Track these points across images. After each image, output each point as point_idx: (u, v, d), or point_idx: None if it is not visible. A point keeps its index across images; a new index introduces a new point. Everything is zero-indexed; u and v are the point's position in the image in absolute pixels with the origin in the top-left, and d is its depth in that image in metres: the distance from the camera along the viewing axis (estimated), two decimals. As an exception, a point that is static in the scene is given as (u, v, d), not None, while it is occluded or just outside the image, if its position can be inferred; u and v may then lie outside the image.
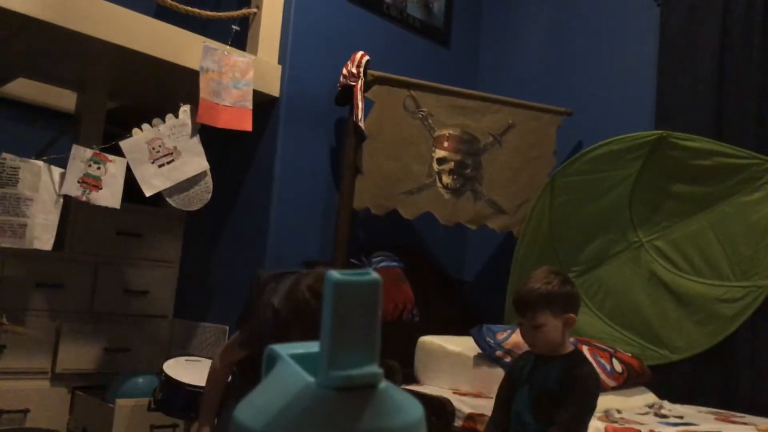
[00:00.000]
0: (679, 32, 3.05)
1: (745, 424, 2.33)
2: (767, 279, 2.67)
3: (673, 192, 2.91)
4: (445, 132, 3.07)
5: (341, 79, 2.89)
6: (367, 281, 0.51)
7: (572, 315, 1.77)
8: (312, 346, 0.53)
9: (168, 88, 2.80)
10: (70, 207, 2.67)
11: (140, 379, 2.64)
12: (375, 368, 0.50)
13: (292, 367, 0.51)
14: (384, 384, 0.50)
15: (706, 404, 2.68)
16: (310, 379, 0.50)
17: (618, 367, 2.67)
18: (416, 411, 0.51)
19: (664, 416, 2.42)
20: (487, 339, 2.56)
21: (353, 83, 2.85)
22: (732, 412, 2.55)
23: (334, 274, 0.50)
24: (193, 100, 2.53)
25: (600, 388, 1.79)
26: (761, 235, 2.70)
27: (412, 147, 3.01)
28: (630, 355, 2.83)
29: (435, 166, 3.07)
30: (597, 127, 3.16)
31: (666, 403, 2.69)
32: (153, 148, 2.49)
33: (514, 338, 2.56)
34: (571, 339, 2.71)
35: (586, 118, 3.26)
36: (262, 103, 2.80)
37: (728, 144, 2.76)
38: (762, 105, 2.81)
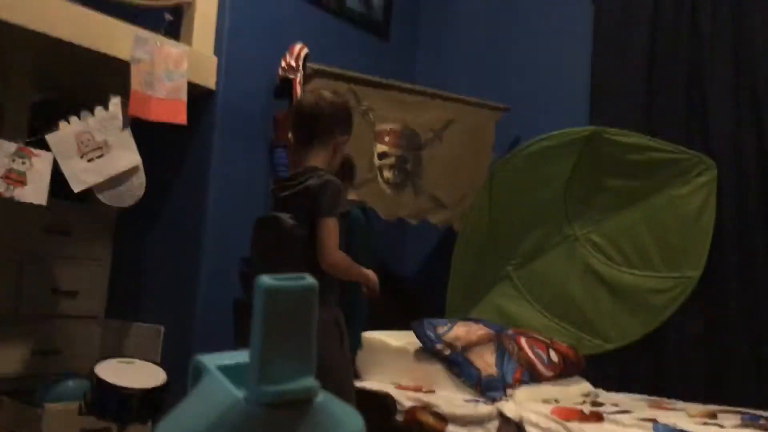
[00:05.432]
0: (612, 30, 3.13)
1: (676, 410, 2.41)
2: (695, 270, 2.77)
3: (607, 186, 2.98)
4: (386, 127, 3.05)
5: (280, 71, 2.84)
6: (302, 287, 0.48)
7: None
8: (242, 357, 0.50)
9: (97, 79, 2.68)
10: (-8, 203, 2.53)
11: (70, 383, 2.53)
12: (311, 381, 0.46)
13: (219, 381, 0.47)
14: (321, 397, 0.47)
15: (638, 391, 2.76)
16: (239, 394, 0.45)
17: (555, 357, 2.73)
18: (355, 424, 0.49)
19: (600, 404, 2.48)
20: (428, 333, 2.57)
21: (292, 76, 2.79)
22: (663, 399, 2.64)
23: (265, 279, 0.47)
24: (125, 92, 2.43)
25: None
26: (690, 227, 2.80)
27: (353, 141, 2.96)
28: (566, 345, 2.89)
29: (376, 160, 3.05)
30: (534, 123, 3.20)
31: (601, 392, 2.77)
32: (82, 142, 2.38)
33: (454, 332, 2.58)
34: (510, 331, 2.77)
35: (524, 113, 3.30)
36: (198, 96, 2.71)
37: (659, 139, 2.85)
38: (689, 102, 2.91)
